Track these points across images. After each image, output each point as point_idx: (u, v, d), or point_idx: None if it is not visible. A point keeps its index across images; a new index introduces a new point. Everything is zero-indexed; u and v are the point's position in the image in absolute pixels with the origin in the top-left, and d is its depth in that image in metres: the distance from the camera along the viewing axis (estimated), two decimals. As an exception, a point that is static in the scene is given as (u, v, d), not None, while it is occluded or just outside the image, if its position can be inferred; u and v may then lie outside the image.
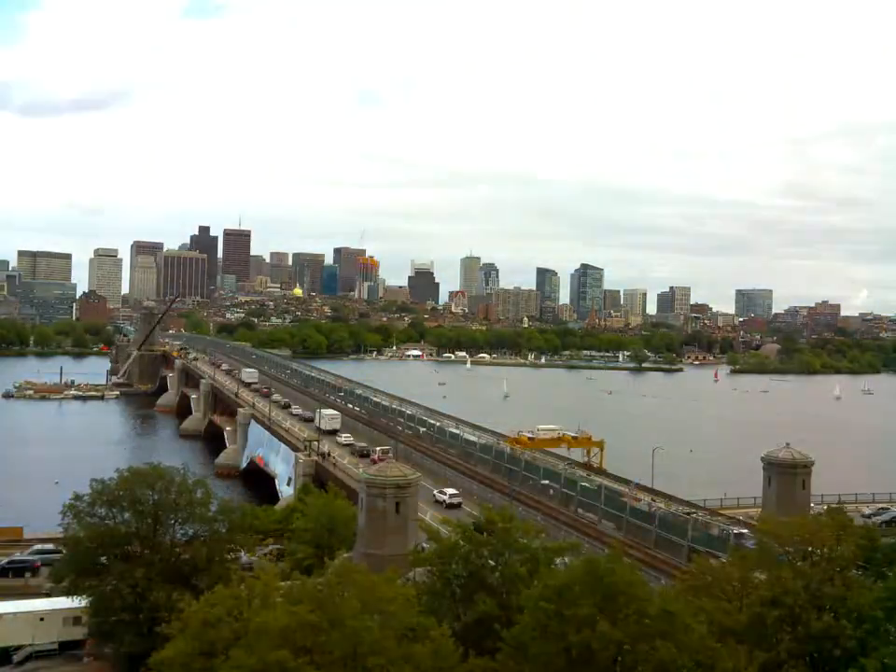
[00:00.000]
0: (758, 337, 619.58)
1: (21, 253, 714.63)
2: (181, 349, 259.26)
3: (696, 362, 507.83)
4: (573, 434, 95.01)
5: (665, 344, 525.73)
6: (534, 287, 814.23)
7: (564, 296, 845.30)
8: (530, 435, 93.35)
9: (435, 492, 75.28)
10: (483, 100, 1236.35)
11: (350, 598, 31.66)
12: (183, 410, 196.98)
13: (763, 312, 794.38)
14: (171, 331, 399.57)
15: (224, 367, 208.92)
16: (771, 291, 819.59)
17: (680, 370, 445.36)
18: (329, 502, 67.23)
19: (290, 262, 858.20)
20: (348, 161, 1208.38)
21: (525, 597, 34.52)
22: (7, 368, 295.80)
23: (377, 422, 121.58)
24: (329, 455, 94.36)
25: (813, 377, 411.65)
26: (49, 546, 68.52)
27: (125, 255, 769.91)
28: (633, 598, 31.53)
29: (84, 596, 49.25)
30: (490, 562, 40.99)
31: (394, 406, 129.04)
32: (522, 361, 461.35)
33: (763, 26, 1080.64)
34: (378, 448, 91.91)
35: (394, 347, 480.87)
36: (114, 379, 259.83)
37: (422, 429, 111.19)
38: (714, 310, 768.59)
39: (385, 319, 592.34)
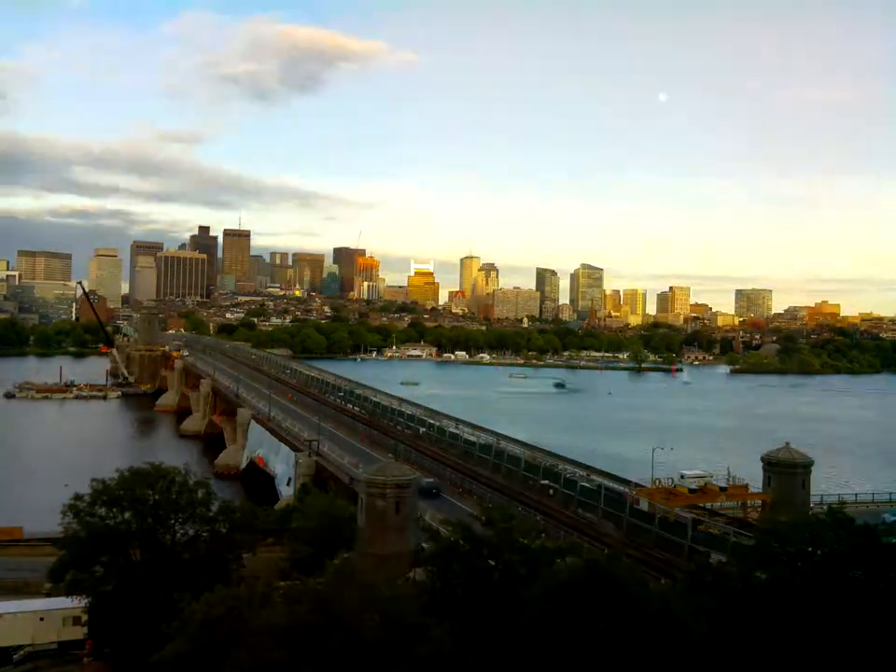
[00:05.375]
0: (758, 337, 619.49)
1: (20, 253, 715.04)
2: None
3: (696, 362, 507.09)
4: (719, 483, 69.97)
5: (664, 344, 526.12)
6: (534, 287, 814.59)
7: (564, 296, 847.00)
8: (693, 486, 67.80)
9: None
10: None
11: (350, 598, 31.64)
12: (183, 410, 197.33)
13: (763, 312, 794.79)
14: (171, 331, 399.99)
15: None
16: (771, 291, 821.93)
17: (680, 369, 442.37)
18: (329, 502, 67.24)
19: (290, 262, 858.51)
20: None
21: (525, 597, 34.50)
22: (8, 368, 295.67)
23: (377, 422, 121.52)
24: None
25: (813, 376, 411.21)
26: None
27: (125, 255, 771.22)
28: (633, 598, 31.53)
29: (84, 596, 49.23)
30: (490, 562, 40.98)
31: (394, 406, 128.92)
32: (522, 361, 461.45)
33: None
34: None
35: (394, 347, 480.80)
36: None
37: (422, 429, 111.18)
38: (714, 310, 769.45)
39: (385, 319, 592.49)
